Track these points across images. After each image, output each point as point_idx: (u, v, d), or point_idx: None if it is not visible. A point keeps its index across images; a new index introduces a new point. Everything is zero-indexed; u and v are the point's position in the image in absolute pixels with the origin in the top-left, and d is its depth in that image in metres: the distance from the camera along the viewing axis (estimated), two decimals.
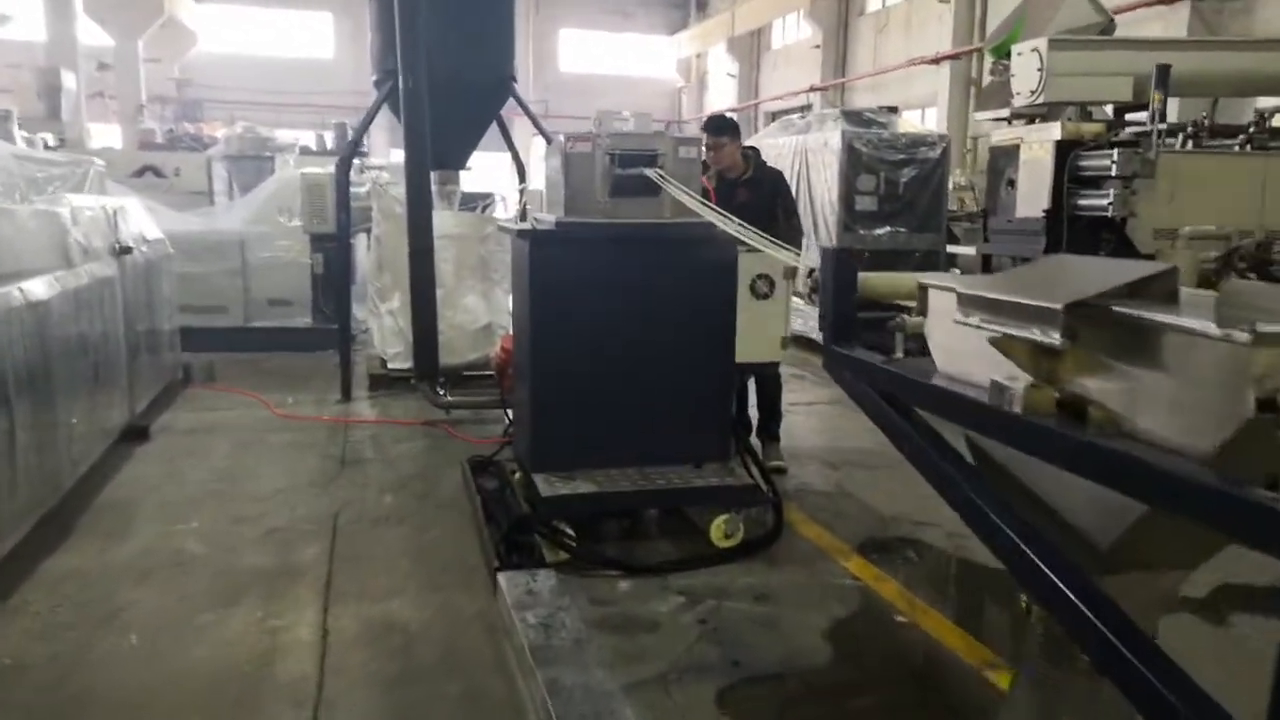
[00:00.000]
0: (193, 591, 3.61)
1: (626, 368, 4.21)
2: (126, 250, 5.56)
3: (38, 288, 4.04)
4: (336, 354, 7.26)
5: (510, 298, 8.16)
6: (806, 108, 22.51)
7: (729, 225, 3.82)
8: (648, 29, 31.43)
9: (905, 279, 2.09)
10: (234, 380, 7.50)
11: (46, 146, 13.18)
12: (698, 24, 30.08)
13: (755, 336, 4.31)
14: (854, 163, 9.04)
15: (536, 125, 7.46)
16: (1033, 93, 8.29)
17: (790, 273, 4.30)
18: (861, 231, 9.05)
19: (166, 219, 8.58)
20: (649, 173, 4.05)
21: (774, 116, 25.66)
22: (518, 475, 4.67)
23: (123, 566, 3.83)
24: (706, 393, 4.31)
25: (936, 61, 18.62)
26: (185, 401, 6.79)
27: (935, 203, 9.34)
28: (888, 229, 9.16)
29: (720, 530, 4.11)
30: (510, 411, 5.19)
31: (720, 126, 5.40)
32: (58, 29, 19.55)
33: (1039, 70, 8.05)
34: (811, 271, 2.44)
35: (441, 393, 6.32)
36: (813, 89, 23.75)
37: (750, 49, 28.13)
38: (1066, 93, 7.78)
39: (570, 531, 3.93)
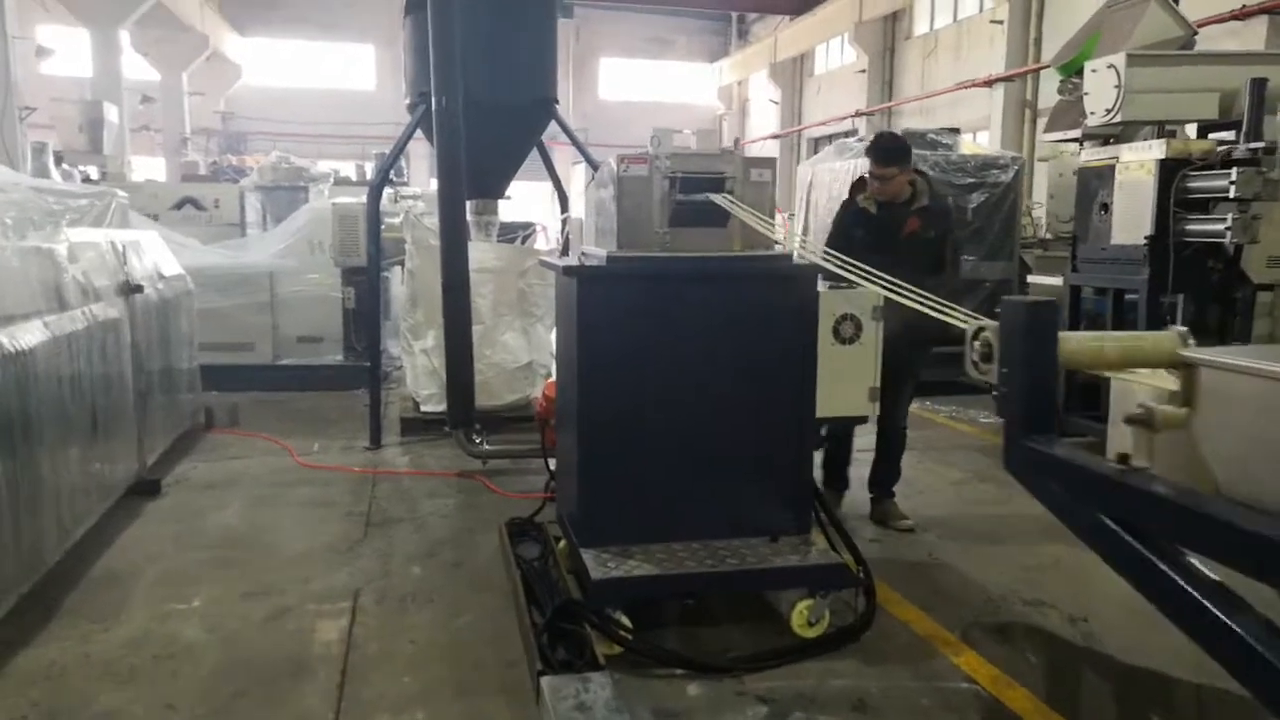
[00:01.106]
0: (181, 696, 3.05)
1: (689, 425, 3.61)
2: (136, 289, 5.10)
3: (21, 335, 3.55)
4: (368, 394, 6.77)
5: (553, 335, 7.67)
6: (851, 133, 21.97)
7: (835, 265, 3.20)
8: (688, 56, 31.22)
9: (1136, 344, 1.47)
10: (258, 423, 7.03)
11: (88, 180, 13.00)
12: (739, 51, 29.77)
13: (840, 388, 3.70)
14: None
15: (580, 149, 6.94)
16: (1108, 111, 7.69)
17: (880, 312, 3.69)
18: None
19: (190, 253, 8.21)
20: (716, 198, 3.48)
21: (816, 142, 25.21)
22: (561, 544, 4.09)
23: (106, 660, 3.29)
24: (783, 454, 3.70)
25: (989, 83, 18.02)
26: (204, 449, 6.31)
27: (1007, 229, 8.68)
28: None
29: (803, 617, 3.48)
30: (552, 463, 4.63)
31: (891, 154, 4.50)
32: (103, 64, 19.68)
33: (1116, 87, 7.46)
34: (979, 332, 1.81)
35: (477, 441, 5.77)
36: (858, 114, 23.22)
37: (793, 75, 27.69)
38: (1146, 111, 7.20)
39: (626, 622, 3.32)
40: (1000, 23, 18.10)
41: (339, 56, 28.57)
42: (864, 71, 23.24)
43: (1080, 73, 9.04)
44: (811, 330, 3.63)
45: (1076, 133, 9.70)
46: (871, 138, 4.74)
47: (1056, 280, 7.22)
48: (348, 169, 17.44)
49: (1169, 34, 7.54)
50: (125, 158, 18.26)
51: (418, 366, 6.94)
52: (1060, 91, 10.34)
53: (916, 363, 4.67)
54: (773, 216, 3.60)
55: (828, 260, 3.22)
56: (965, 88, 18.78)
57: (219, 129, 27.53)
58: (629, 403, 3.56)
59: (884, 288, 2.81)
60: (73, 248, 4.36)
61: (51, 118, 16.59)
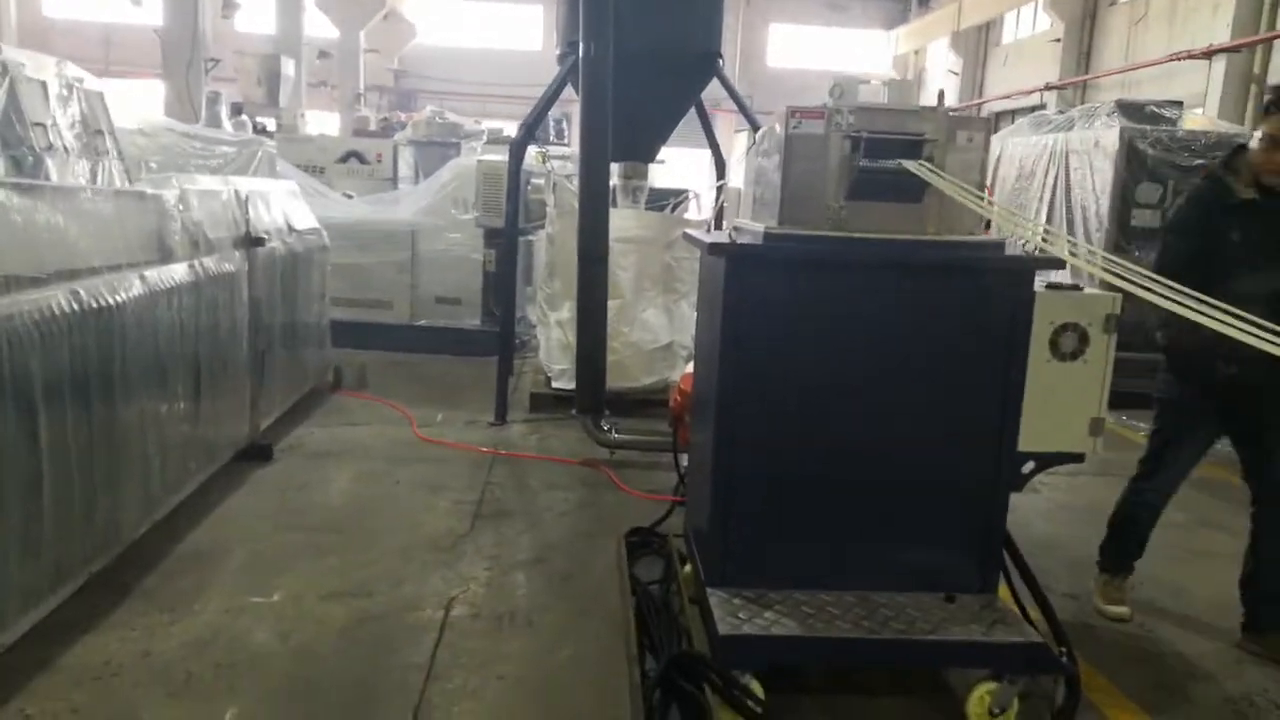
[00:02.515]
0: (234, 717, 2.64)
1: (853, 445, 2.91)
2: (258, 241, 4.79)
3: (107, 289, 3.21)
4: None
5: (693, 308, 7.03)
6: (1040, 107, 20.17)
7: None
8: (864, 23, 29.72)
9: None
10: (386, 387, 6.73)
11: (263, 131, 13.32)
12: (919, 18, 27.99)
13: (1052, 415, 2.89)
14: (1134, 167, 7.23)
15: (744, 110, 6.24)
16: None
17: (1114, 322, 2.86)
18: (1137, 254, 7.22)
19: (334, 206, 8.07)
20: (911, 166, 2.73)
21: (998, 117, 23.34)
22: (686, 568, 3.48)
23: (165, 663, 2.91)
24: (970, 492, 2.94)
25: (1209, 55, 15.94)
26: (326, 412, 6.04)
27: None
28: (1136, 255, 7.28)
29: (983, 705, 2.74)
30: (684, 464, 4.04)
31: None
32: (285, 20, 20.38)
33: None
34: None
35: (606, 428, 5.23)
36: (1048, 87, 21.28)
37: (977, 44, 25.82)
38: None
39: (758, 689, 2.67)
40: None
41: (509, 16, 28.74)
42: (1058, 40, 21.27)
43: None
44: (1022, 341, 2.84)
45: None
46: (1273, 90, 3.35)
47: None
48: (511, 129, 17.33)
49: None
50: (300, 111, 18.83)
51: (552, 339, 6.47)
52: None
53: None
54: (984, 192, 2.82)
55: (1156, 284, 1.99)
56: (1180, 59, 16.73)
57: (391, 86, 28.22)
58: (780, 413, 2.89)
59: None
60: (184, 195, 4.04)
61: (234, 70, 17.22)
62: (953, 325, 2.86)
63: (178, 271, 3.84)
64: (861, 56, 29.28)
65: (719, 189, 7.06)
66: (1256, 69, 15.65)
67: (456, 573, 3.71)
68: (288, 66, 17.51)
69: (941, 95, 2.95)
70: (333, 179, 10.36)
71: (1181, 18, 18.07)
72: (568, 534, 4.22)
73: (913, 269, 2.83)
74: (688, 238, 3.43)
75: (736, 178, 8.32)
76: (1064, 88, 21.07)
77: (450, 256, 8.28)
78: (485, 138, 11.76)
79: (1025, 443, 2.91)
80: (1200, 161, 7.25)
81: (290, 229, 5.62)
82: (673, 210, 7.30)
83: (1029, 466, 2.96)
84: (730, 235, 2.88)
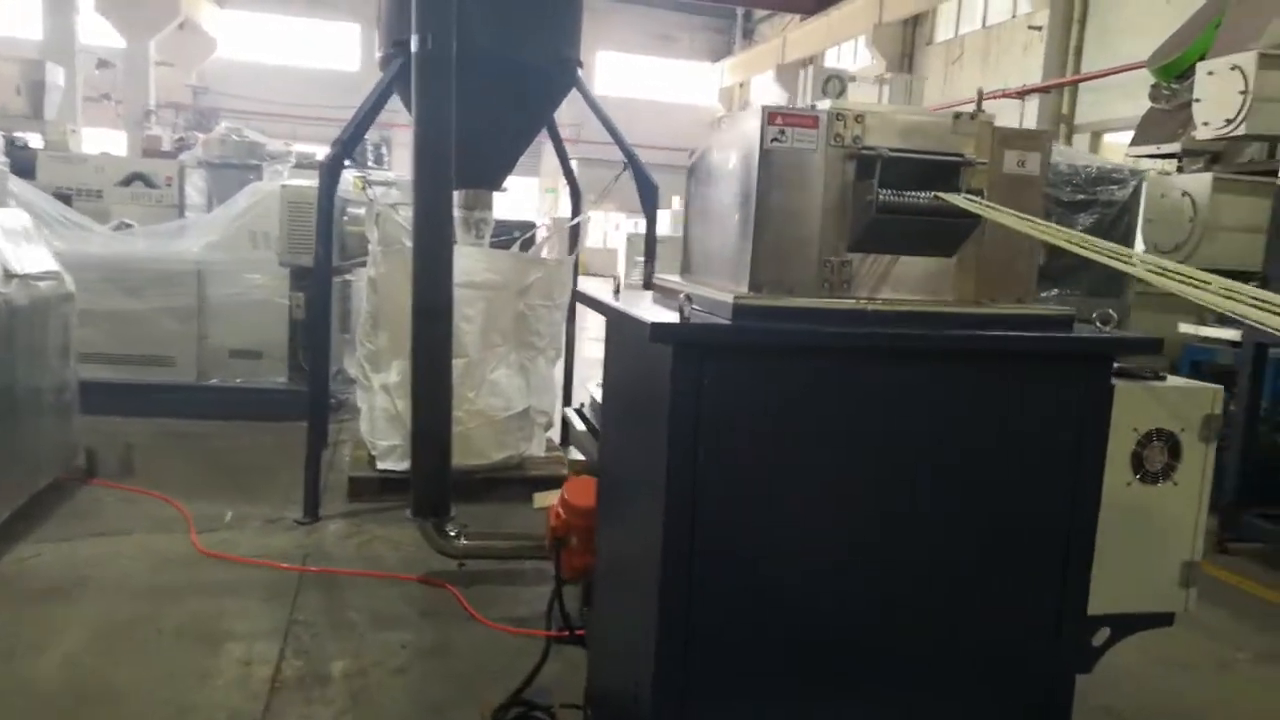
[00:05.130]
0: None
1: (863, 617, 1.92)
2: None
3: None
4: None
5: (557, 370, 5.94)
6: None
7: None
8: (690, 55, 29.89)
9: None
10: (159, 471, 5.25)
11: (24, 147, 11.40)
12: (744, 51, 28.32)
13: (1132, 560, 2.01)
14: None
15: (610, 130, 5.24)
16: (1229, 122, 6.43)
17: (1215, 426, 2.02)
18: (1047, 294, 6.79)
19: (93, 240, 6.53)
20: (958, 200, 1.78)
21: None
22: None
23: None
24: (1021, 675, 2.01)
25: (1022, 95, 16.57)
26: (68, 515, 4.51)
27: None
28: (1055, 292, 6.86)
29: None
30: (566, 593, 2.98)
31: None
32: (55, 23, 18.07)
33: (1241, 93, 6.21)
34: None
35: (454, 534, 4.03)
36: None
37: (801, 78, 26.24)
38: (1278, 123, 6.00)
39: None
40: (1039, 29, 16.69)
41: (322, 33, 26.96)
42: (880, 78, 21.79)
43: (1183, 76, 7.78)
44: (1094, 457, 1.94)
45: (1174, 146, 8.25)
46: None
47: (1227, 333, 5.57)
48: (324, 153, 15.75)
49: None
50: (72, 126, 16.49)
51: (376, 407, 5.19)
52: (1154, 98, 8.88)
53: None
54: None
55: None
56: (997, 97, 17.28)
57: (189, 104, 25.71)
58: (758, 572, 1.86)
59: None
60: None
61: None
62: (1001, 436, 1.92)
63: None
64: (689, 88, 29.36)
65: (576, 227, 6.01)
66: (1065, 109, 16.40)
67: None
68: (56, 75, 15.26)
69: (980, 99, 2.03)
70: (112, 204, 8.80)
71: (995, 58, 18.83)
72: (409, 710, 3.00)
73: (949, 354, 1.88)
74: (589, 303, 2.35)
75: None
76: None
77: (248, 301, 6.82)
78: (294, 161, 10.25)
79: (1097, 603, 2.01)
80: (1081, 197, 6.90)
81: (8, 274, 4.12)
82: (521, 247, 6.19)
83: (1102, 635, 2.06)
84: (679, 306, 1.82)
